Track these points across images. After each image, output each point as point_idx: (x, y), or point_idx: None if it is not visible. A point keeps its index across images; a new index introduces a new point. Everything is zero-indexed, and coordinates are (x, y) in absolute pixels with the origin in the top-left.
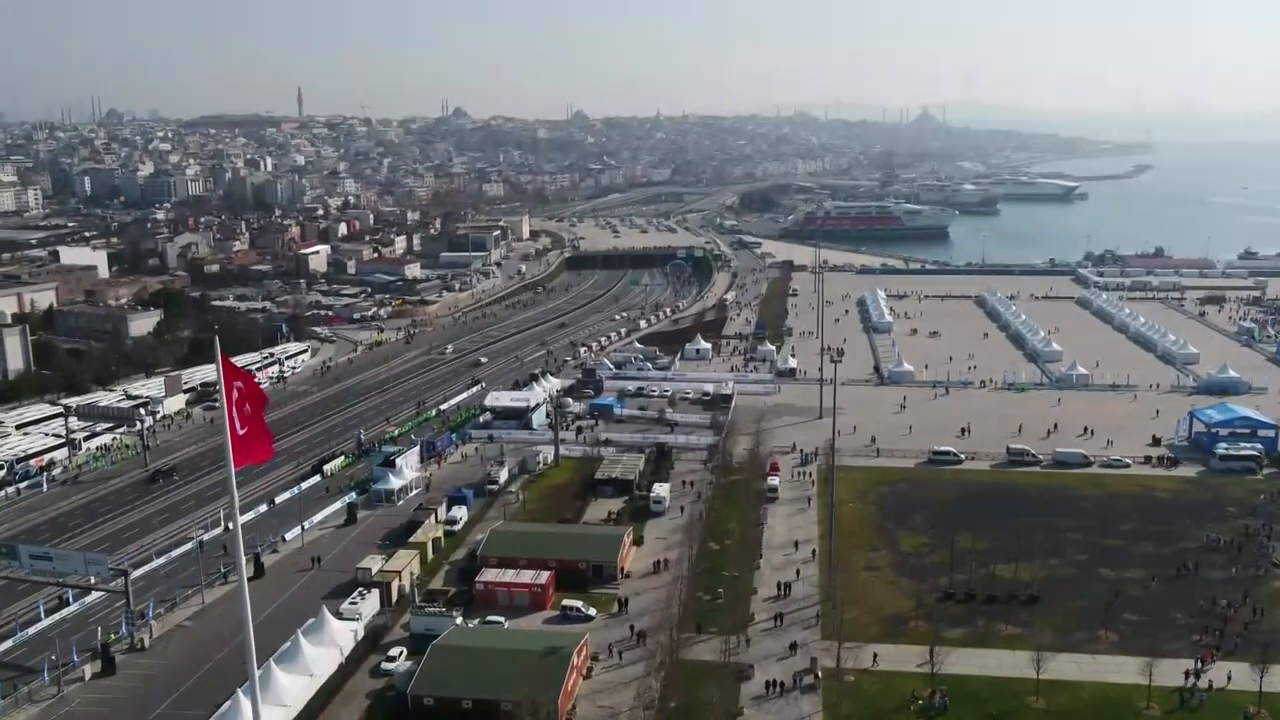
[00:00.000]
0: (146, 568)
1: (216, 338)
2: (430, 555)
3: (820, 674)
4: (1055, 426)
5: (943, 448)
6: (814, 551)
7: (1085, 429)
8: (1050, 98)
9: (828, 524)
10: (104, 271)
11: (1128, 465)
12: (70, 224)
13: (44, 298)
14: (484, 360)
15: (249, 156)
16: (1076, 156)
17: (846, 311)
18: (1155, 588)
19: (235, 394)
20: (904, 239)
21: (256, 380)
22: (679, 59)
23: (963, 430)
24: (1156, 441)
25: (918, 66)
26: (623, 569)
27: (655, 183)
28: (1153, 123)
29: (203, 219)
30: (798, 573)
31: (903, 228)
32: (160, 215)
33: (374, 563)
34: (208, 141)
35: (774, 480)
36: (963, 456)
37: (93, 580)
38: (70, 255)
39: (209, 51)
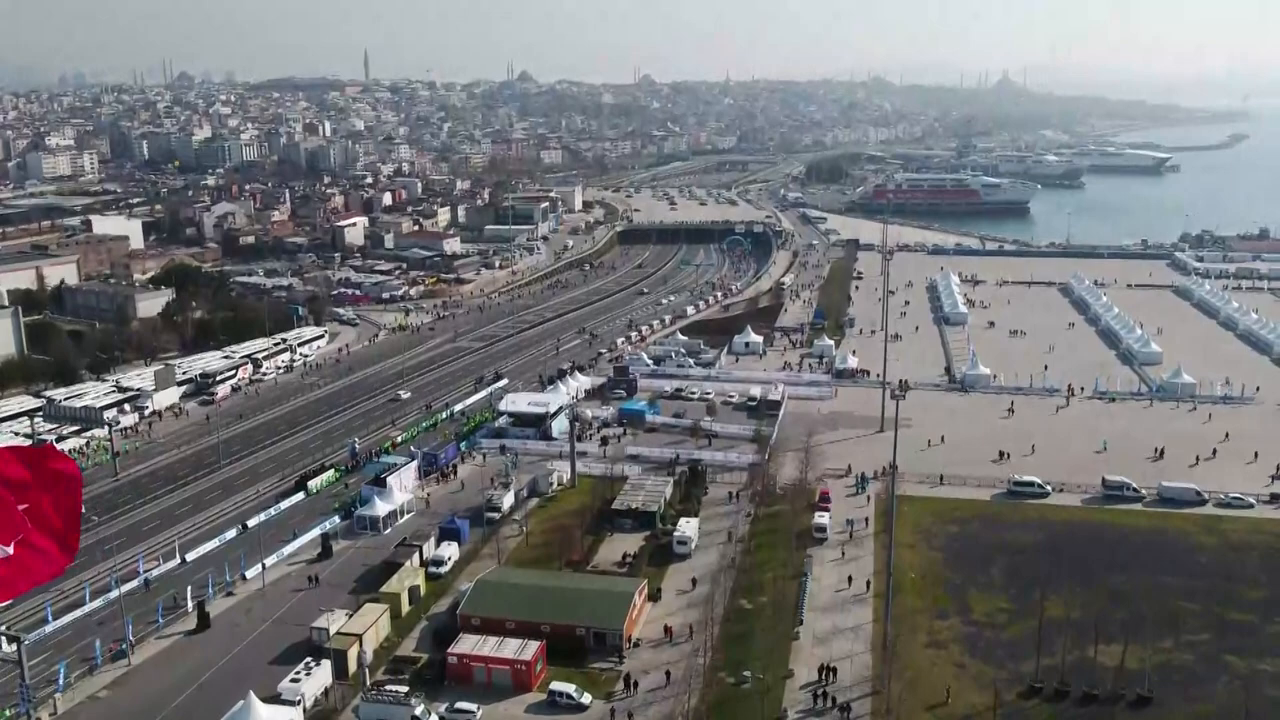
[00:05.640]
0: (76, 613)
1: None
2: (405, 608)
3: None
4: (1213, 450)
5: (1025, 477)
6: (869, 584)
7: (1159, 454)
8: (1138, 61)
9: (884, 575)
10: (138, 242)
11: (1251, 505)
12: (118, 190)
13: (64, 272)
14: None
15: (308, 121)
16: (1167, 125)
17: (907, 303)
18: None
19: None
20: (981, 214)
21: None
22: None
23: (1105, 445)
24: None
25: (999, 27)
26: (630, 636)
27: (720, 150)
28: (1251, 87)
29: (248, 187)
30: (839, 671)
31: (980, 202)
32: (210, 181)
33: (334, 620)
34: (269, 105)
35: (822, 518)
36: (1049, 488)
37: None
38: (104, 225)
39: (284, 13)
